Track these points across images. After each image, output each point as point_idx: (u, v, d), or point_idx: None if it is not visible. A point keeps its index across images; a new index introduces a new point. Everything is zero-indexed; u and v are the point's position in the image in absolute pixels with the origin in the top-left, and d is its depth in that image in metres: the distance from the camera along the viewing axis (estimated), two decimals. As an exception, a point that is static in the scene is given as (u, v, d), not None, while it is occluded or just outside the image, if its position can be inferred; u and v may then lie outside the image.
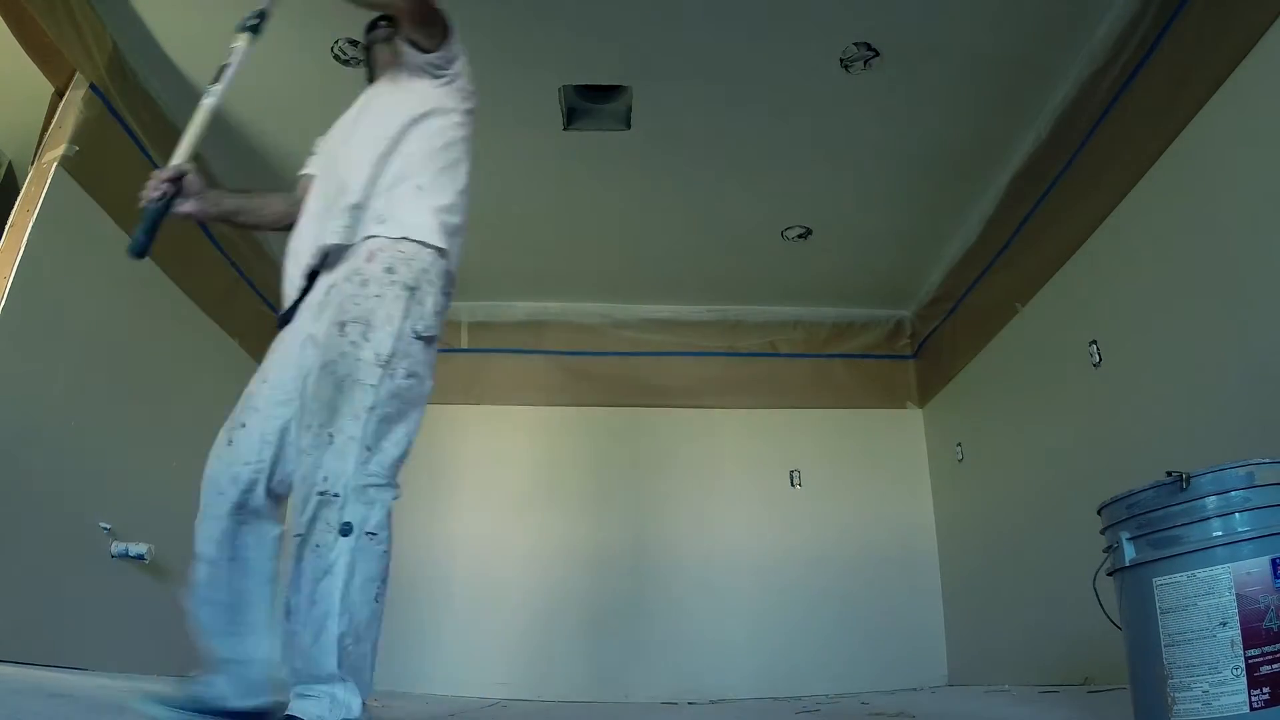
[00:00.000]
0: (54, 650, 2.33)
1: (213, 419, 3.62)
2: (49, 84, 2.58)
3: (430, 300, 1.49)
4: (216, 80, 1.68)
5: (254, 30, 1.74)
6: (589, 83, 2.98)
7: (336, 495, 1.31)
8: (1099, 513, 1.52)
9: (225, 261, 3.49)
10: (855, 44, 2.75)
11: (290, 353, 1.54)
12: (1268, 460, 1.30)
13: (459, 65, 1.80)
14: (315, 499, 1.30)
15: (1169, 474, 1.33)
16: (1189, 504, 1.31)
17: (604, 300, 4.49)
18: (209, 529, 1.52)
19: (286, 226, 1.77)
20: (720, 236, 3.90)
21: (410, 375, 1.43)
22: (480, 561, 4.05)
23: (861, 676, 3.81)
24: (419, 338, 1.45)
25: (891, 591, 4.06)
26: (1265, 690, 1.18)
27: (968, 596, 3.84)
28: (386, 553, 1.35)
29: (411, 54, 1.71)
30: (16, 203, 2.44)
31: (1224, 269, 2.23)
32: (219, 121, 3.07)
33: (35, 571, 2.35)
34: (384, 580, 1.34)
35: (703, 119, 3.12)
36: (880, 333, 4.59)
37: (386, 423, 1.39)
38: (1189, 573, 1.28)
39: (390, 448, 1.40)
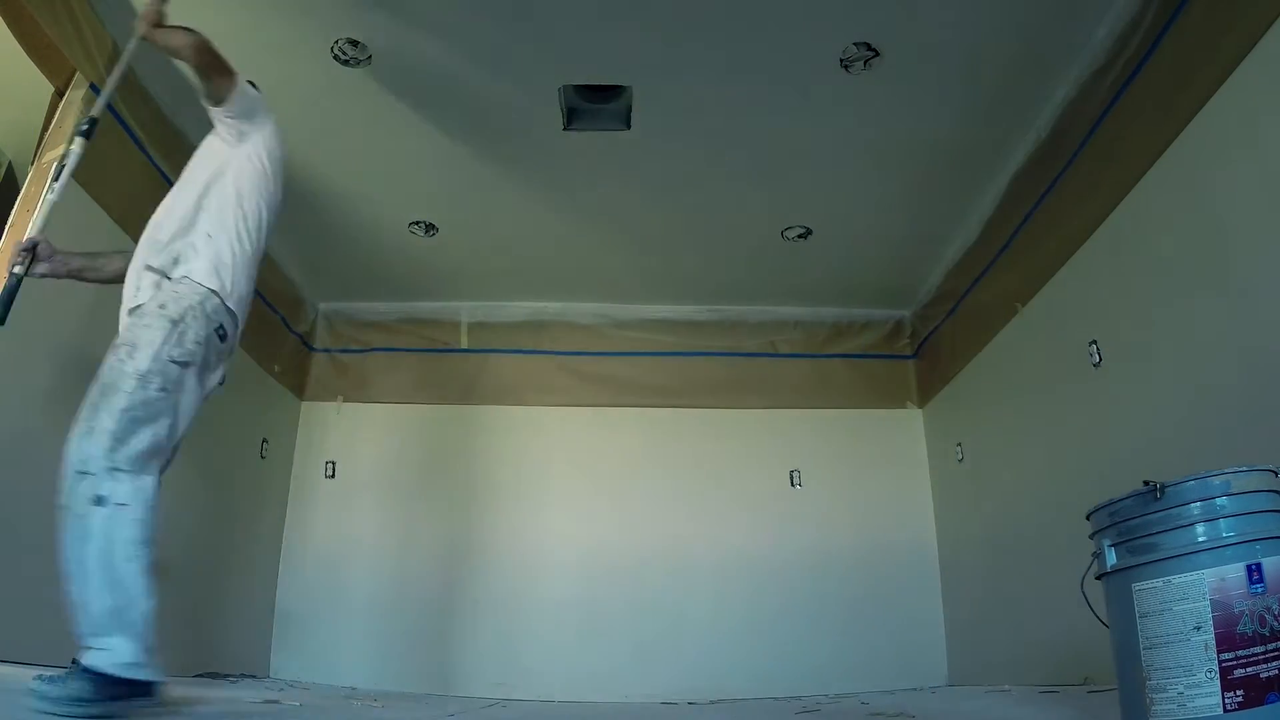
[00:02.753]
0: (54, 650, 2.33)
1: (213, 420, 3.61)
2: (49, 84, 2.58)
3: (192, 332, 1.77)
4: (56, 179, 2.07)
5: (86, 135, 2.12)
6: (589, 83, 2.98)
7: (91, 473, 1.57)
8: (1088, 518, 1.55)
9: (225, 261, 3.49)
10: (855, 44, 2.76)
11: None
12: (1243, 469, 1.33)
13: (249, 125, 2.08)
14: (74, 476, 1.57)
15: (1145, 483, 1.36)
16: (1165, 512, 1.35)
17: (604, 300, 4.49)
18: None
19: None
20: (720, 236, 3.90)
21: (161, 390, 1.70)
22: (480, 561, 4.05)
23: (861, 676, 3.82)
24: (174, 362, 1.73)
25: (891, 591, 4.06)
26: (1239, 693, 1.21)
27: (968, 596, 3.84)
28: (140, 520, 1.60)
29: (210, 110, 2.05)
30: (16, 203, 2.44)
31: (1224, 269, 2.23)
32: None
33: (35, 571, 2.34)
34: (143, 543, 1.60)
35: (703, 119, 3.12)
36: (880, 333, 4.59)
37: (136, 423, 1.65)
38: (1165, 578, 1.31)
39: (137, 442, 1.64)
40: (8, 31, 2.40)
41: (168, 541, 2.90)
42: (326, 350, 4.47)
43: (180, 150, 3.10)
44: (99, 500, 1.55)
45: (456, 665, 3.84)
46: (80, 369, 2.63)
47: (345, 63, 2.81)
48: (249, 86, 2.10)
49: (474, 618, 3.96)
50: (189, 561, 3.12)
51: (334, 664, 3.82)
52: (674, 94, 3.00)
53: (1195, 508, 1.32)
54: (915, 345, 4.54)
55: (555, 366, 4.42)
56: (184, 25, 2.05)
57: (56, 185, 2.05)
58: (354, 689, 3.54)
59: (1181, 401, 2.39)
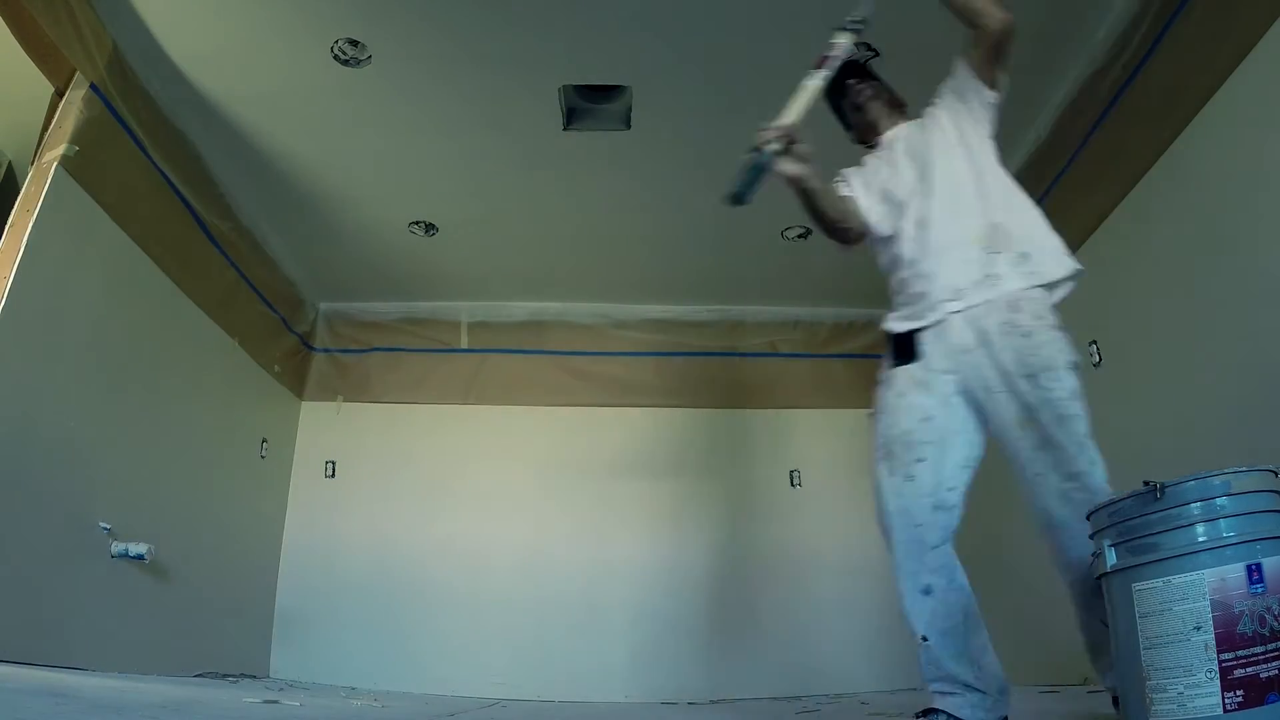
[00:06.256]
0: (54, 650, 2.33)
1: (213, 420, 3.60)
2: (49, 84, 2.58)
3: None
4: (819, 68, 1.87)
5: (856, 31, 1.92)
6: (589, 83, 2.98)
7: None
8: (1087, 518, 1.55)
9: (225, 261, 3.49)
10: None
11: (946, 392, 1.85)
12: (1244, 469, 1.33)
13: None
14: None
15: (1145, 483, 1.37)
16: (1165, 512, 1.34)
17: (604, 300, 4.49)
18: (930, 560, 1.79)
19: (834, 231, 2.06)
20: (720, 236, 3.90)
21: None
22: (480, 561, 4.05)
23: (861, 676, 3.82)
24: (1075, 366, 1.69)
25: (891, 591, 4.02)
26: (1239, 693, 1.21)
27: (968, 596, 3.84)
28: None
29: (977, 88, 1.95)
30: (16, 203, 2.44)
31: (1224, 269, 2.23)
32: (217, 122, 3.10)
33: (35, 571, 2.35)
34: None
35: (703, 119, 3.12)
36: (880, 333, 4.57)
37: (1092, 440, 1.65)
38: (1165, 579, 1.31)
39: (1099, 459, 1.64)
40: (8, 31, 2.40)
41: (168, 542, 2.92)
42: (326, 350, 4.47)
43: (180, 150, 3.12)
44: None
45: (456, 665, 3.84)
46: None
47: (345, 63, 2.81)
48: None
49: (474, 617, 3.96)
50: (189, 561, 3.12)
51: (334, 664, 3.82)
52: (674, 94, 3.00)
53: (1195, 508, 1.32)
54: (915, 345, 4.53)
55: (555, 366, 4.42)
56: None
57: (820, 74, 1.87)
58: (354, 689, 3.54)
59: (1181, 401, 2.39)
